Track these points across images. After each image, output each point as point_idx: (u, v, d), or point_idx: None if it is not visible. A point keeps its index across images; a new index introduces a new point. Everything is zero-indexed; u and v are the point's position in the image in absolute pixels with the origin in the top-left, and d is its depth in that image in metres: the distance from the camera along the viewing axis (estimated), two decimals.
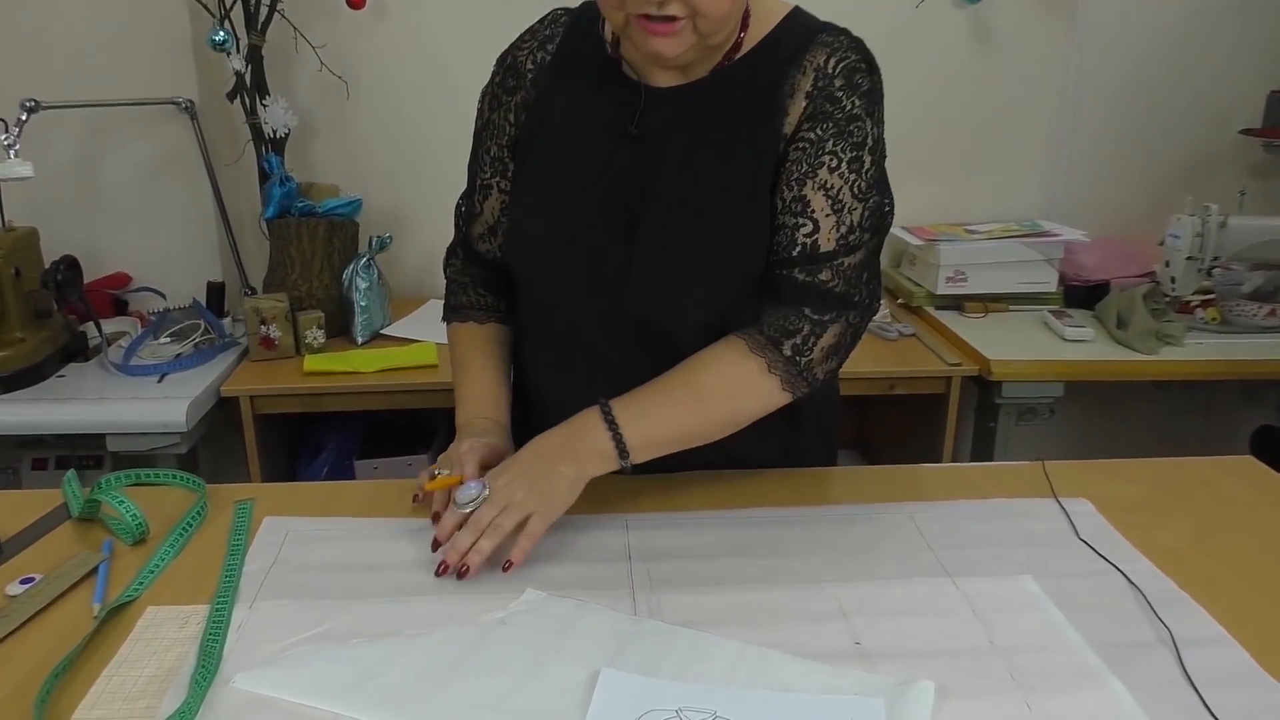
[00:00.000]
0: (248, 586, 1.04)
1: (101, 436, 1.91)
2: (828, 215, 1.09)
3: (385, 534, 1.14)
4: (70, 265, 2.03)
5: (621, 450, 1.09)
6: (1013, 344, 2.26)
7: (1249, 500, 1.26)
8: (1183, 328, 2.32)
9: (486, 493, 1.05)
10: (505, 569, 1.02)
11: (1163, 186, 2.74)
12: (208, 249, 2.41)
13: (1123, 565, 1.09)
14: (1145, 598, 1.03)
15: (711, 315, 1.16)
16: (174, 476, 1.26)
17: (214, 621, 0.97)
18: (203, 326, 2.17)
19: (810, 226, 1.10)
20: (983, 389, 2.27)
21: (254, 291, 2.32)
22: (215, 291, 2.30)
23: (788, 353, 1.12)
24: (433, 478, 1.13)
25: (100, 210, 2.37)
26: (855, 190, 1.10)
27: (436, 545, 1.05)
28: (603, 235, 1.16)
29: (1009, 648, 0.95)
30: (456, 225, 1.36)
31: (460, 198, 1.34)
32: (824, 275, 1.11)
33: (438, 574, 1.03)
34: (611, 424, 1.09)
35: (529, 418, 1.27)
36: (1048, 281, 2.51)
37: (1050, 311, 2.43)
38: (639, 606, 1.01)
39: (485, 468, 1.12)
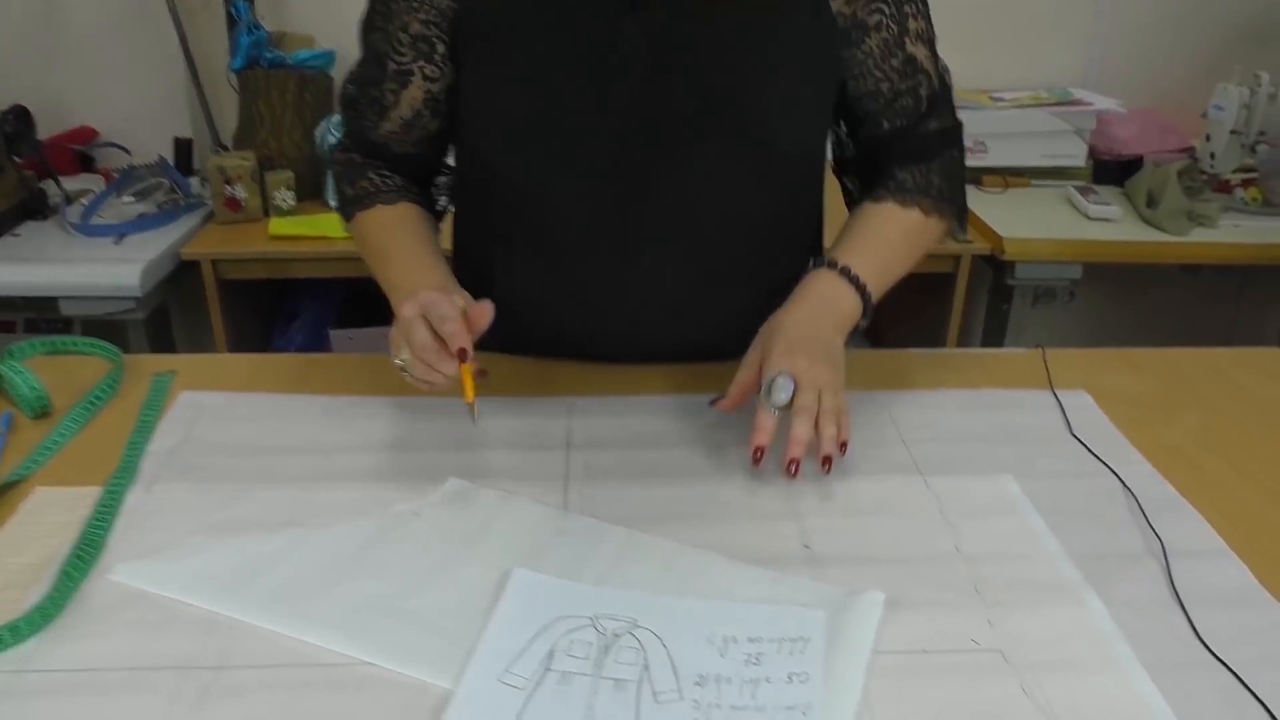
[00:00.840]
0: (149, 468, 0.95)
1: (56, 300, 1.82)
2: (929, 58, 1.08)
3: (309, 413, 1.05)
4: (20, 116, 1.91)
5: (866, 308, 1.02)
6: (1031, 221, 2.10)
7: (1270, 397, 1.14)
8: (1218, 208, 2.15)
9: (792, 383, 0.91)
10: (843, 450, 0.92)
11: (1209, 53, 2.51)
12: (175, 103, 2.27)
13: (1117, 466, 0.98)
14: (1138, 503, 0.92)
15: (755, 212, 1.08)
16: (91, 345, 1.17)
17: (103, 506, 0.89)
18: (167, 185, 2.05)
19: (924, 79, 1.08)
20: (996, 269, 2.12)
21: (225, 150, 2.19)
22: (183, 148, 2.17)
23: (962, 202, 1.14)
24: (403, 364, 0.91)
25: (62, 60, 2.22)
26: (931, 25, 1.09)
27: (762, 452, 0.91)
28: (614, 130, 1.00)
29: (977, 556, 0.85)
30: (348, 118, 1.12)
31: (348, 82, 1.10)
32: (948, 113, 1.12)
33: (755, 461, 0.91)
34: (856, 283, 1.01)
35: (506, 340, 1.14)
36: (1076, 155, 2.33)
37: (1075, 187, 2.25)
38: (570, 500, 0.91)
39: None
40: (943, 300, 2.11)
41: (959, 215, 1.14)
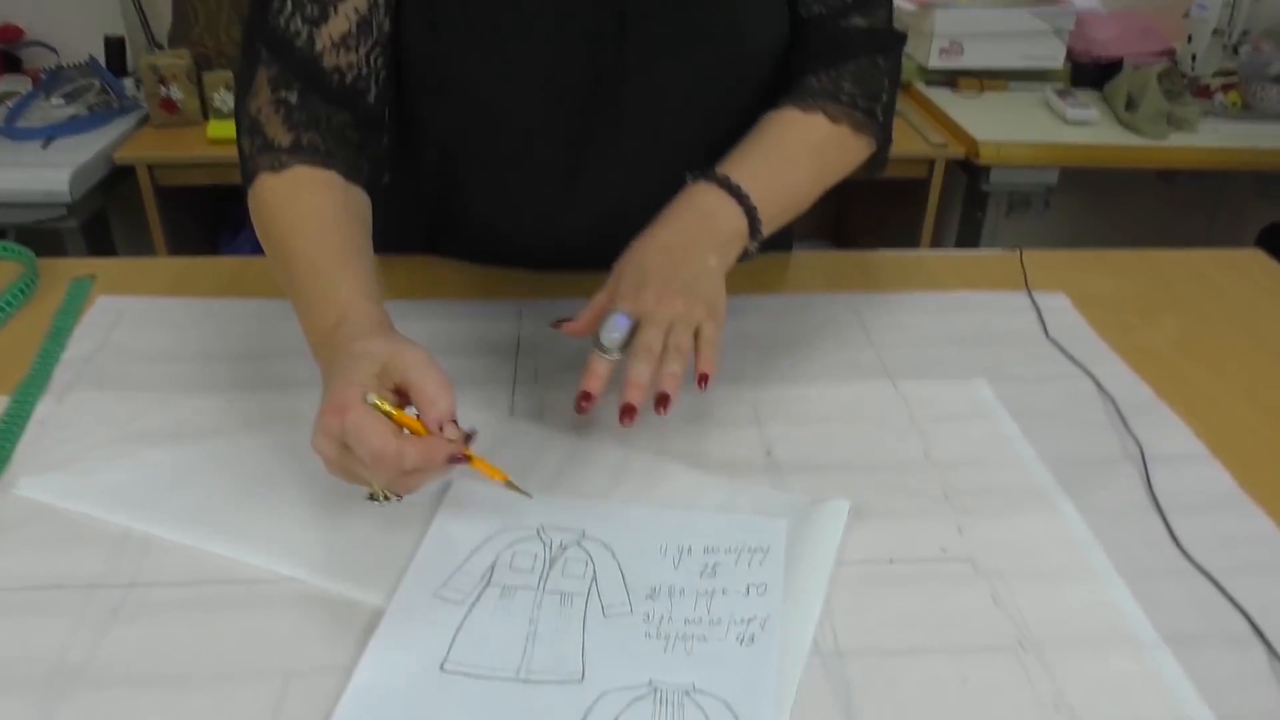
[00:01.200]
0: (61, 376, 0.88)
1: None
2: None
3: (239, 317, 0.98)
4: None
5: (754, 226, 0.84)
6: (1007, 125, 2.03)
7: (1250, 299, 1.09)
8: (1197, 111, 2.09)
9: (635, 320, 0.78)
10: (701, 384, 0.76)
11: None
12: None
13: (1094, 368, 0.94)
14: (1116, 406, 0.88)
15: (717, 110, 0.97)
16: (4, 249, 1.08)
17: (9, 416, 0.82)
18: (98, 86, 1.93)
19: None
20: (970, 175, 2.06)
21: (160, 48, 2.06)
22: (114, 47, 2.04)
23: (877, 115, 0.96)
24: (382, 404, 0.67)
25: None
26: None
27: (589, 400, 0.76)
28: (576, 30, 0.90)
29: (947, 462, 0.81)
30: (270, 43, 0.85)
31: None
32: (881, 14, 0.97)
33: (580, 410, 0.76)
34: (739, 196, 0.84)
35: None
36: (1054, 57, 2.25)
37: (1054, 90, 2.18)
38: (517, 405, 0.86)
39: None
40: (915, 207, 2.05)
41: (877, 128, 0.96)
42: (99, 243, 1.88)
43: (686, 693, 0.59)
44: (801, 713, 0.59)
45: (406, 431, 0.64)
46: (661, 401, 0.75)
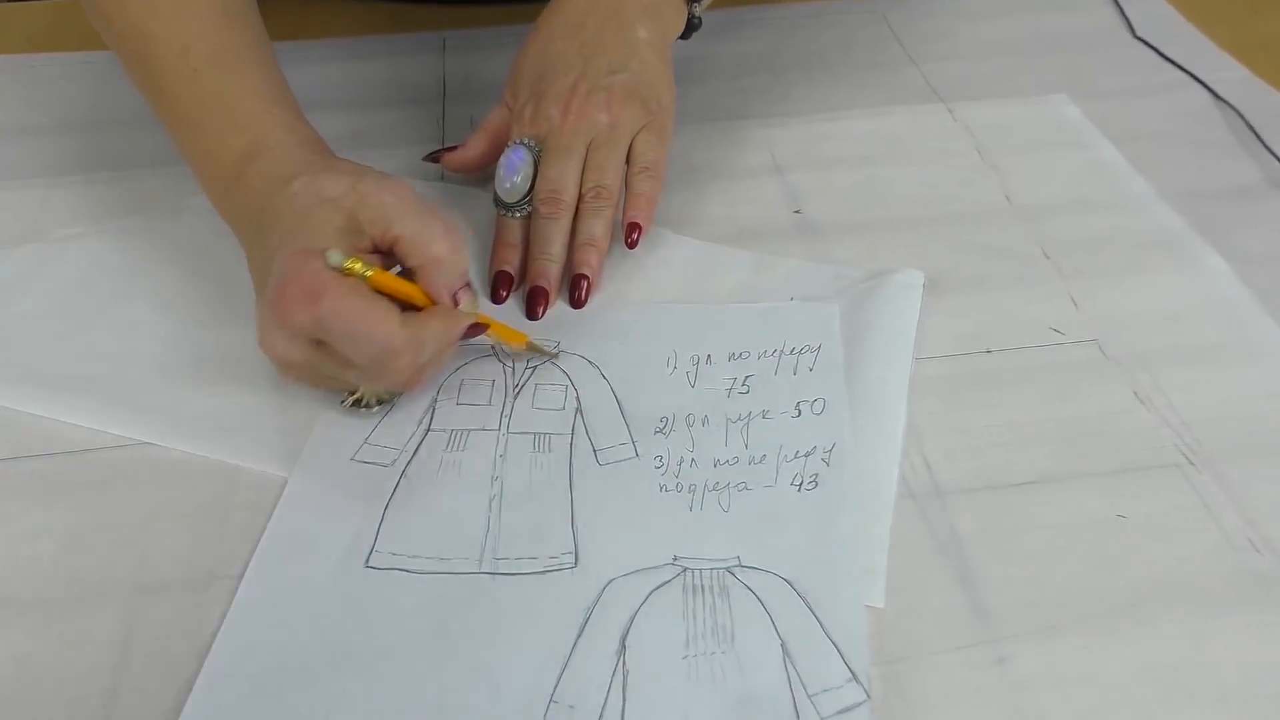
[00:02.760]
0: None
1: None
2: None
3: (56, 77, 0.72)
4: None
5: None
6: None
7: None
8: None
9: (538, 150, 0.54)
10: (630, 239, 0.54)
11: None
12: None
13: (1203, 73, 0.71)
14: (1244, 119, 0.67)
15: None
16: None
17: None
18: None
19: None
20: None
21: None
22: None
23: None
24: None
25: None
26: None
27: (506, 287, 0.54)
28: None
29: (1039, 207, 0.59)
30: None
31: None
32: None
33: (497, 299, 0.54)
34: None
35: None
36: None
37: None
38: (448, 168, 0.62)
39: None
40: None
41: None
42: None
43: (729, 570, 0.41)
44: (898, 589, 0.40)
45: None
46: (576, 286, 0.53)
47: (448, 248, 0.43)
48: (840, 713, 0.36)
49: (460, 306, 0.44)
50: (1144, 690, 0.37)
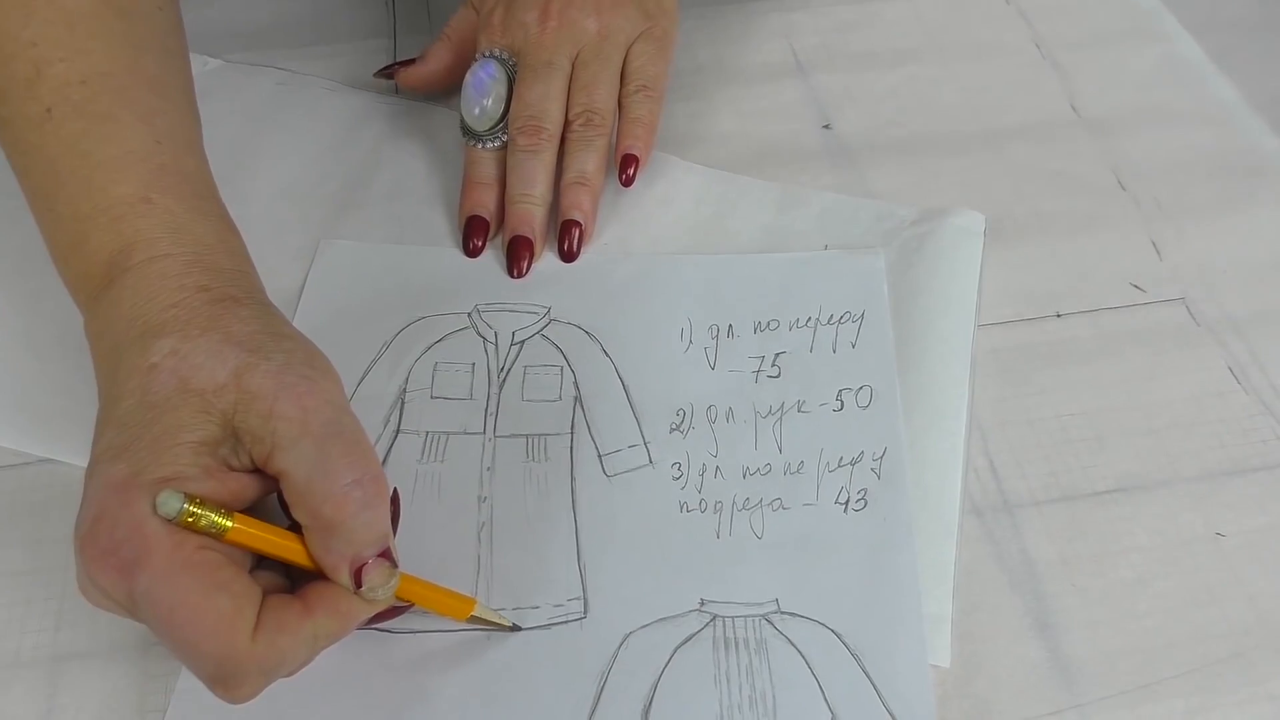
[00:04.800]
0: None
1: None
2: None
3: None
4: None
5: None
6: None
7: None
8: None
9: (512, 64, 0.44)
10: (625, 175, 0.44)
11: None
12: None
13: None
14: None
15: None
16: None
17: None
18: None
19: None
20: None
21: None
22: None
23: None
24: None
25: None
26: None
27: (480, 234, 0.44)
28: None
29: (1109, 120, 0.50)
30: None
31: None
32: None
33: (470, 253, 0.44)
34: None
35: None
36: None
37: None
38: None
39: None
40: None
41: None
42: None
43: (767, 619, 0.34)
44: (964, 637, 0.34)
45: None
46: (566, 234, 0.44)
47: (351, 509, 0.28)
48: None
49: (363, 589, 0.29)
50: None
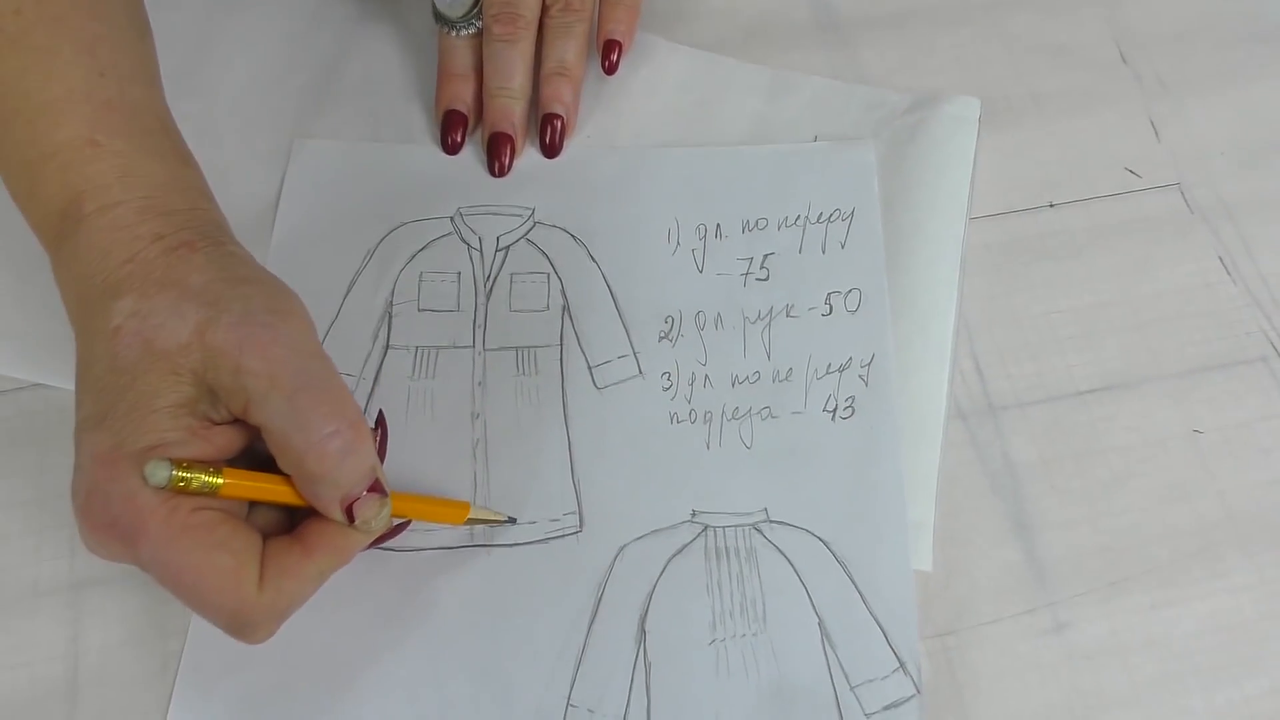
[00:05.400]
0: None
1: None
2: None
3: None
4: None
5: None
6: None
7: None
8: None
9: None
10: (608, 62, 0.43)
11: None
12: None
13: None
14: None
15: None
16: None
17: None
18: None
19: None
20: None
21: None
22: None
23: None
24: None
25: None
26: None
27: (458, 128, 0.42)
28: None
29: None
30: None
31: None
32: None
33: (449, 148, 0.43)
34: None
35: None
36: None
37: None
38: None
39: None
40: None
41: None
42: None
43: (756, 528, 0.36)
44: (946, 541, 0.36)
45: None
46: (548, 128, 0.42)
47: (332, 460, 0.28)
48: (887, 709, 0.33)
49: (357, 522, 0.29)
50: (1212, 655, 0.34)
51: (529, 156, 0.43)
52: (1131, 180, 0.43)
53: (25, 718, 0.33)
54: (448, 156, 0.43)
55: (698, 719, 0.33)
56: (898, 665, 0.33)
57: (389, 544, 0.35)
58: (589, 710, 0.33)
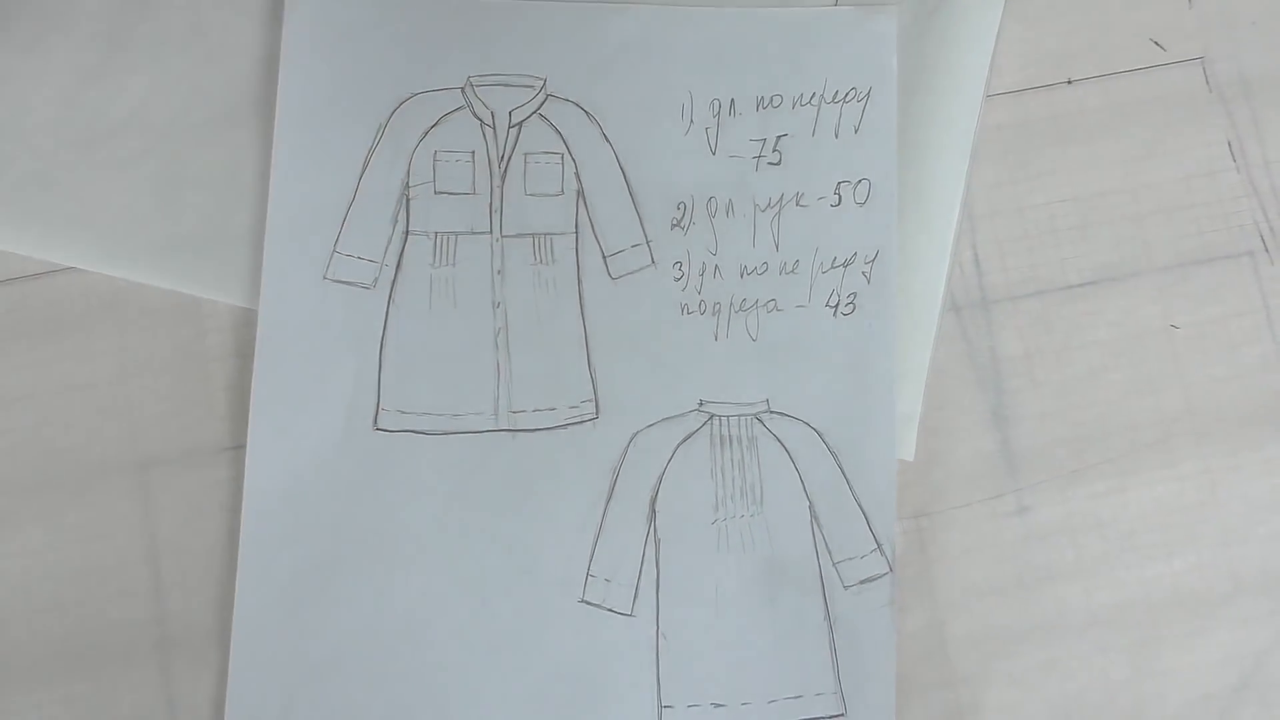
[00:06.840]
0: None
1: None
2: None
3: None
4: None
5: None
6: None
7: None
8: None
9: None
10: None
11: None
12: None
13: None
14: None
15: None
16: None
17: None
18: None
19: None
20: None
21: None
22: None
23: None
24: None
25: None
26: None
27: None
28: None
29: None
30: None
31: None
32: None
33: None
34: None
35: None
36: None
37: None
38: None
39: None
40: None
41: None
42: None
43: (758, 418, 0.39)
44: (929, 431, 0.39)
45: None
46: None
47: None
48: (863, 583, 0.38)
49: None
50: (1151, 537, 0.39)
51: (538, 7, 0.41)
52: (1155, 54, 0.42)
53: (115, 580, 0.38)
54: (454, 6, 0.41)
55: (700, 588, 0.38)
56: (875, 546, 0.38)
57: (420, 428, 0.38)
58: (605, 580, 0.38)
